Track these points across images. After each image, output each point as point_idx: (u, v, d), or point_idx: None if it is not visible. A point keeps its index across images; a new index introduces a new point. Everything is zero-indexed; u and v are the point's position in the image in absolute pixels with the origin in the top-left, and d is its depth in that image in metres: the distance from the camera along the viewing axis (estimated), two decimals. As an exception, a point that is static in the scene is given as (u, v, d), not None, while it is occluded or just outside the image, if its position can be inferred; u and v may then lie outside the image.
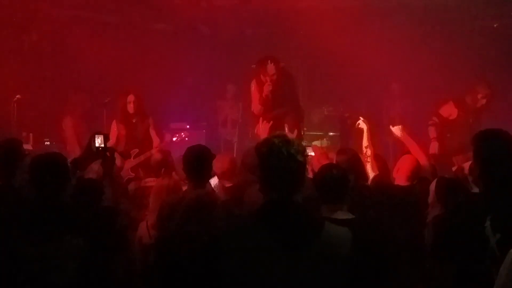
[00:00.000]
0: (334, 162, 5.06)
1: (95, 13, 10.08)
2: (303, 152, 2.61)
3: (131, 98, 7.68)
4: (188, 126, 10.76)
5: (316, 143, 10.18)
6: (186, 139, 8.12)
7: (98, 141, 4.65)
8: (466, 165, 5.76)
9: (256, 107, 7.61)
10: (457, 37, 10.14)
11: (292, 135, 6.72)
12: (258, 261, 2.46)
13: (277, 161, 2.55)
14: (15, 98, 8.12)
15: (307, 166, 2.68)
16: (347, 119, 10.10)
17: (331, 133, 10.70)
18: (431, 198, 4.73)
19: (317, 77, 11.15)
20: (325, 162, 5.88)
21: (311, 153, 5.85)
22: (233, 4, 9.99)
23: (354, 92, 10.83)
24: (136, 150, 7.03)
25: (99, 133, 4.70)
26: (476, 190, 3.87)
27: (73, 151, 7.80)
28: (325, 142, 10.48)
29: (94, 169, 4.85)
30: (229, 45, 10.77)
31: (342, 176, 3.84)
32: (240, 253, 2.47)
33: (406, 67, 10.13)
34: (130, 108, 7.69)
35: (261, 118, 7.54)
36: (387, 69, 10.14)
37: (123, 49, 9.82)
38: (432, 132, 8.10)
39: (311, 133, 10.65)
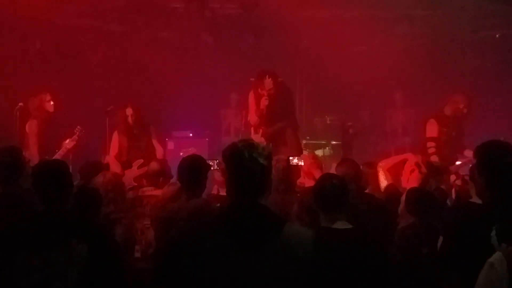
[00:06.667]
0: (331, 172, 5.01)
1: (99, 21, 10.11)
2: (266, 155, 2.63)
3: (129, 111, 7.73)
4: (191, 134, 10.80)
5: (319, 152, 10.22)
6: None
7: None
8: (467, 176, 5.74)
9: (253, 118, 7.87)
10: (459, 47, 10.16)
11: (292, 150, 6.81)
12: (215, 261, 2.50)
13: (238, 164, 2.61)
14: (18, 106, 8.13)
15: (272, 170, 2.69)
16: (350, 128, 10.12)
17: (333, 142, 10.68)
18: (401, 208, 4.68)
19: (320, 86, 11.18)
20: (315, 171, 5.90)
21: (301, 162, 5.82)
22: (237, 13, 10.01)
23: (357, 101, 10.87)
24: (141, 161, 7.02)
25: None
26: (476, 200, 3.84)
27: (32, 157, 7.25)
28: (327, 151, 10.50)
29: (99, 182, 4.87)
30: (233, 54, 10.79)
31: (341, 186, 3.84)
32: (197, 254, 2.53)
33: (408, 77, 10.14)
34: (130, 120, 7.75)
35: (260, 131, 7.67)
36: (390, 78, 10.16)
37: (127, 57, 9.85)
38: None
39: (313, 141, 10.69)
